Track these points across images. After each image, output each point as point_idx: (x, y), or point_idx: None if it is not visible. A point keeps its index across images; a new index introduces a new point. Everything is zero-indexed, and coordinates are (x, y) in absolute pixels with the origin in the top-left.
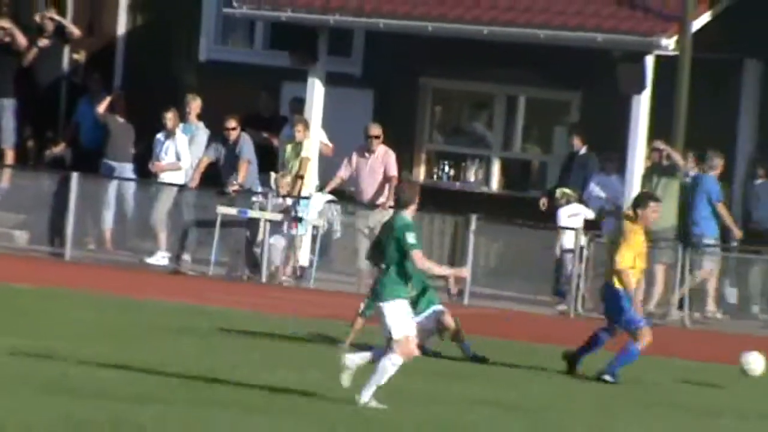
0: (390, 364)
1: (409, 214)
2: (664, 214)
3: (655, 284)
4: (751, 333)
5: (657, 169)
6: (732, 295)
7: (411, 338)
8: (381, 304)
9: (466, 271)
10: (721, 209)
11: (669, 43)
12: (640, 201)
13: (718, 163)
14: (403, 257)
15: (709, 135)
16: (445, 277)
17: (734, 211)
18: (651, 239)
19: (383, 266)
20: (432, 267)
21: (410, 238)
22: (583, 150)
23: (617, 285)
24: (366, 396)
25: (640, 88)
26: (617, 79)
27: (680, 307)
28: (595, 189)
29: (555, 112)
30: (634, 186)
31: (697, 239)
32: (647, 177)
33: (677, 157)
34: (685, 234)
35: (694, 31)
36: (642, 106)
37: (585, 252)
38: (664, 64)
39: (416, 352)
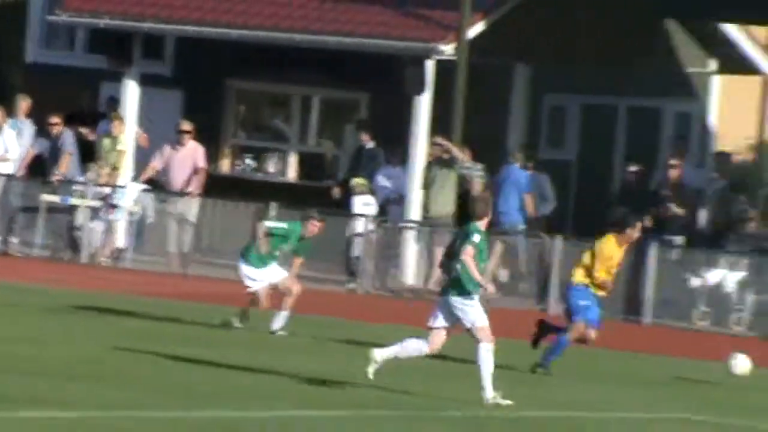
0: (488, 354)
1: (481, 225)
2: (443, 201)
3: (434, 266)
4: (518, 307)
5: (437, 162)
6: (503, 274)
7: (485, 325)
8: (459, 299)
9: (491, 288)
10: (528, 199)
11: (447, 49)
12: (629, 221)
13: (520, 155)
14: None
15: (484, 131)
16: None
17: None
18: (431, 224)
19: (458, 267)
20: (472, 268)
21: (475, 237)
22: (371, 144)
23: (577, 281)
24: (489, 392)
25: (422, 89)
26: (401, 81)
27: None
28: (381, 180)
29: (345, 110)
30: (416, 176)
31: (510, 227)
32: (428, 169)
33: (455, 151)
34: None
35: (470, 38)
36: (423, 105)
37: (373, 236)
38: (444, 67)
39: None
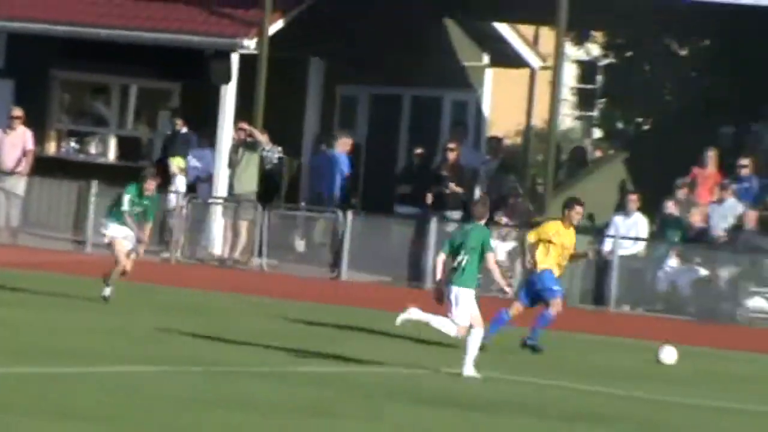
0: (476, 339)
1: (482, 224)
2: (246, 180)
3: (240, 236)
4: (316, 275)
5: (241, 145)
6: (300, 245)
7: (465, 326)
8: (457, 288)
9: (509, 289)
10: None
11: (250, 44)
12: (568, 204)
13: (347, 141)
14: (481, 257)
15: (283, 117)
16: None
17: (303, 180)
18: (236, 201)
19: (460, 259)
20: (495, 270)
21: (492, 243)
22: (184, 129)
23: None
24: (469, 370)
25: (228, 79)
26: (209, 72)
27: (260, 254)
28: (192, 160)
29: (160, 98)
30: (223, 158)
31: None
32: (234, 151)
33: (258, 135)
34: (319, 200)
35: (270, 34)
36: (229, 94)
37: (185, 211)
38: (247, 60)
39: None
